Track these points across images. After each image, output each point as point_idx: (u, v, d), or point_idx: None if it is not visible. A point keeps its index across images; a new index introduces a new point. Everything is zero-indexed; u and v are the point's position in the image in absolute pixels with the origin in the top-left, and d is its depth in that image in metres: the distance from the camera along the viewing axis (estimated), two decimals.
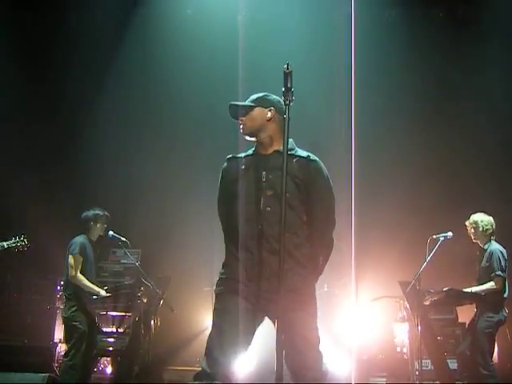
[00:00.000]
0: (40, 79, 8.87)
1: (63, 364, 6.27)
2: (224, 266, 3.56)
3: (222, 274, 3.54)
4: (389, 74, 8.67)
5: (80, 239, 6.53)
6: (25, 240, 6.45)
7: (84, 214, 6.67)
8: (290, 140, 3.57)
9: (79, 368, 6.21)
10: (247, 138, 3.65)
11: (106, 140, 9.02)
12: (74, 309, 6.32)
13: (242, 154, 3.69)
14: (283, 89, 3.12)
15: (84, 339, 6.29)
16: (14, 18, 8.84)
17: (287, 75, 3.10)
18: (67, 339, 6.41)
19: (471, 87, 8.57)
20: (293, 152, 3.57)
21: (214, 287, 3.58)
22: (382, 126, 8.77)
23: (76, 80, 8.90)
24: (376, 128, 8.67)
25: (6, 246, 6.32)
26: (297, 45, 8.34)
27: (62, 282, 6.78)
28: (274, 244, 3.34)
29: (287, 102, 3.11)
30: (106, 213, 6.73)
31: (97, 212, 6.66)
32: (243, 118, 3.62)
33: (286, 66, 3.10)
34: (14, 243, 6.41)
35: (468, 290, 6.29)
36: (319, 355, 3.45)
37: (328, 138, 8.48)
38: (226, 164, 3.71)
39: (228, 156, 3.73)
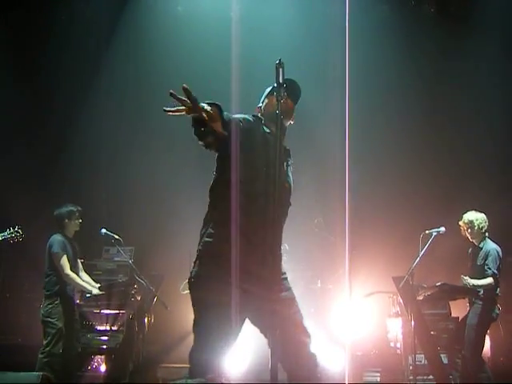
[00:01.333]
0: (30, 78, 8.83)
1: (38, 361, 6.26)
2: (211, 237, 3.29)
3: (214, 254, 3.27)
4: (382, 69, 8.69)
5: (58, 237, 6.56)
6: (19, 231, 6.44)
7: (57, 211, 6.66)
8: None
9: (57, 366, 6.23)
10: (286, 121, 3.55)
11: (100, 138, 8.99)
12: (51, 306, 6.36)
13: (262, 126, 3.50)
14: (275, 84, 3.10)
15: (61, 337, 6.31)
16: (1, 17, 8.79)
17: (279, 71, 3.08)
18: (44, 336, 6.40)
19: (464, 82, 8.60)
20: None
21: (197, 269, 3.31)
22: (375, 122, 8.79)
23: (67, 79, 8.85)
24: (370, 124, 8.68)
25: (1, 238, 6.30)
26: (289, 41, 8.34)
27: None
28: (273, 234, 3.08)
29: (279, 98, 3.09)
30: (79, 208, 6.72)
31: (70, 208, 6.66)
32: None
33: (277, 61, 3.08)
34: (9, 234, 6.40)
35: (466, 280, 6.29)
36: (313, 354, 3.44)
37: (322, 133, 8.50)
38: (253, 119, 3.47)
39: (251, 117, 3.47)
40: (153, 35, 8.97)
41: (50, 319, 6.34)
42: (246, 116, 3.44)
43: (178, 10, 9.15)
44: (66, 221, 6.63)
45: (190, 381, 3.21)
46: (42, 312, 6.42)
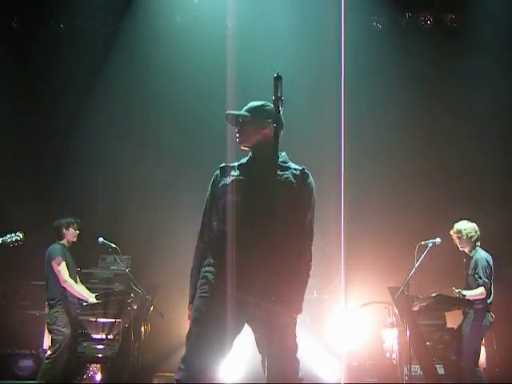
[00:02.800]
0: (27, 89, 8.85)
1: (43, 365, 6.36)
2: (209, 266, 3.54)
3: (208, 273, 3.52)
4: (377, 80, 8.72)
5: (57, 246, 6.67)
6: (20, 234, 6.46)
7: (56, 222, 6.82)
8: (283, 153, 3.63)
9: (59, 372, 6.28)
10: (242, 147, 3.65)
11: (95, 146, 9.03)
12: (57, 313, 6.44)
13: (236, 163, 3.68)
14: (273, 97, 3.14)
15: (67, 343, 6.39)
16: None
17: (277, 84, 3.11)
18: (51, 343, 6.51)
19: (459, 94, 8.66)
20: (287, 165, 3.60)
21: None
22: (371, 131, 8.82)
23: (64, 86, 8.88)
24: (365, 133, 8.72)
25: (0, 242, 6.32)
26: (286, 51, 8.39)
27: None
28: (264, 251, 3.25)
29: (277, 111, 3.12)
30: (78, 219, 6.86)
31: (68, 219, 6.80)
32: (239, 128, 3.63)
33: (275, 74, 3.12)
34: (9, 238, 6.41)
35: (458, 291, 6.33)
36: (297, 362, 3.47)
37: (317, 143, 8.53)
38: (218, 171, 3.69)
39: (221, 165, 3.71)
40: (151, 45, 9.00)
41: (56, 326, 6.41)
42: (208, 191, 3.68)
43: (176, 20, 9.20)
44: (64, 230, 6.74)
45: None
46: (48, 320, 6.51)
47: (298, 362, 3.47)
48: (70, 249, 6.82)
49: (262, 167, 3.46)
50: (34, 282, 7.89)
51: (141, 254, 8.17)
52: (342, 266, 7.50)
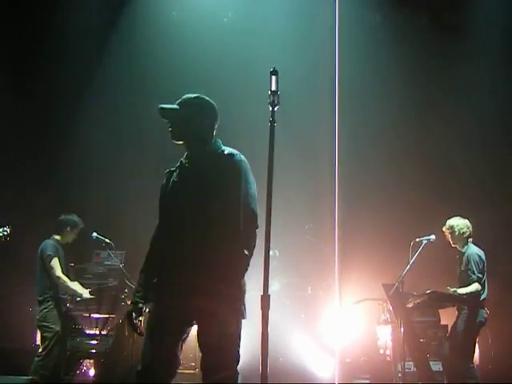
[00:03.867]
0: (24, 83, 8.82)
1: (34, 364, 6.31)
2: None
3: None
4: (373, 76, 8.72)
5: (51, 242, 6.63)
6: (7, 229, 6.41)
7: (64, 217, 6.76)
8: (218, 141, 3.65)
9: (51, 369, 6.28)
10: (174, 142, 3.65)
11: (91, 142, 9.00)
12: (46, 310, 6.42)
13: (177, 164, 3.72)
14: (269, 92, 3.12)
15: (58, 340, 6.37)
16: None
17: (273, 78, 3.10)
18: (42, 341, 6.50)
19: (457, 91, 8.66)
20: (219, 152, 3.57)
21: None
22: (365, 129, 8.82)
23: (61, 83, 8.84)
24: (360, 131, 8.72)
25: None
26: (282, 47, 8.37)
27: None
28: (194, 245, 3.38)
29: (273, 106, 3.11)
30: (82, 224, 6.83)
31: (76, 220, 6.77)
32: (170, 123, 3.63)
33: (271, 69, 3.11)
34: None
35: (452, 289, 6.33)
36: (232, 355, 3.40)
37: (312, 140, 8.53)
38: (164, 179, 3.73)
39: (166, 170, 3.75)
40: (147, 40, 8.98)
41: (45, 323, 6.39)
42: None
43: (172, 15, 9.17)
44: (68, 229, 6.71)
45: None
46: (38, 317, 6.46)
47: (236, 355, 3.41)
48: (64, 245, 6.77)
49: (195, 163, 3.55)
50: (30, 279, 7.86)
51: (135, 249, 8.13)
52: (337, 263, 7.51)
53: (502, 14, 8.57)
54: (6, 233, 6.36)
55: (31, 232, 7.24)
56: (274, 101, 3.09)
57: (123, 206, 8.81)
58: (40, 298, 6.48)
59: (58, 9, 8.96)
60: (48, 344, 6.31)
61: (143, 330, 3.58)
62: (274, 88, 3.10)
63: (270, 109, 3.11)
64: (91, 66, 9.01)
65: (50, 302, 6.44)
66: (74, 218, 6.76)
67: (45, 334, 6.40)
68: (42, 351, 6.32)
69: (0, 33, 8.63)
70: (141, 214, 8.72)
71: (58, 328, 6.39)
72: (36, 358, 6.32)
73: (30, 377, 6.26)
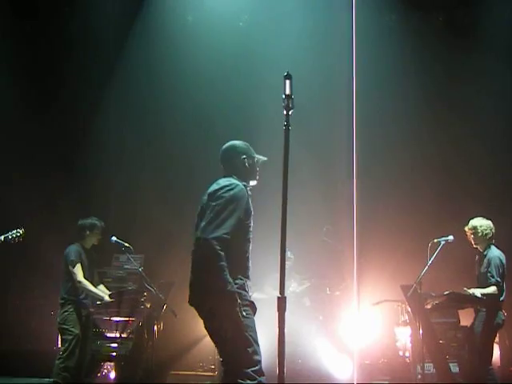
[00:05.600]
0: (40, 85, 8.93)
1: (55, 366, 6.39)
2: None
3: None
4: (389, 77, 8.69)
5: (74, 247, 6.68)
6: (20, 230, 6.47)
7: (81, 221, 6.80)
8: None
9: (73, 371, 6.34)
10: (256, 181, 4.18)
11: (109, 146, 9.10)
12: (66, 313, 6.49)
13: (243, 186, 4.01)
14: (283, 96, 3.15)
15: (78, 342, 6.44)
16: (14, 27, 8.90)
17: (287, 82, 3.13)
18: (62, 343, 6.57)
19: (473, 91, 8.60)
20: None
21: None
22: (382, 129, 8.79)
23: (77, 87, 8.95)
24: (377, 131, 8.70)
25: (2, 239, 6.36)
26: (298, 51, 8.38)
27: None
28: None
29: (287, 110, 3.14)
30: (103, 224, 6.86)
31: (94, 222, 6.79)
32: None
33: (286, 73, 3.14)
34: (11, 235, 6.44)
35: (471, 291, 6.29)
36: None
37: (329, 141, 8.54)
38: (245, 190, 3.96)
39: (243, 183, 4.00)
40: (163, 45, 9.04)
41: (65, 326, 6.47)
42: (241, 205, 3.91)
43: (187, 20, 9.23)
44: (88, 232, 6.75)
45: None
46: (58, 320, 6.55)
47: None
48: (91, 250, 6.84)
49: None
50: (50, 282, 7.96)
51: (154, 253, 8.22)
52: (355, 265, 7.49)
53: None
54: (18, 234, 6.42)
55: (50, 235, 7.33)
56: (288, 105, 3.12)
57: (142, 209, 8.88)
58: (62, 301, 6.58)
59: (74, 13, 9.08)
60: (68, 346, 6.39)
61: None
62: (288, 92, 3.13)
63: (285, 113, 3.14)
64: (108, 71, 9.09)
65: (70, 306, 6.52)
66: (90, 220, 6.79)
67: (64, 337, 6.49)
68: (63, 353, 6.40)
69: (18, 40, 8.78)
70: (160, 217, 8.81)
71: (77, 331, 6.46)
72: (57, 361, 6.41)
73: (52, 379, 6.36)
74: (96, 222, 6.79)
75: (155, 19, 9.11)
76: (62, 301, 6.57)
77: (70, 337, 6.42)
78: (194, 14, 9.20)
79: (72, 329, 6.45)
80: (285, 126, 3.14)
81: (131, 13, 9.09)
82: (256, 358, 3.67)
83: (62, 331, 6.53)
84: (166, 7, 9.10)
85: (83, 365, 6.62)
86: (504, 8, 8.53)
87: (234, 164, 4.09)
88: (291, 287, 7.98)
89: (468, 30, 8.69)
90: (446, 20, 8.94)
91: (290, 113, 3.13)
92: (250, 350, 3.65)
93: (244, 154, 4.09)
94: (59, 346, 7.12)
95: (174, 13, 9.11)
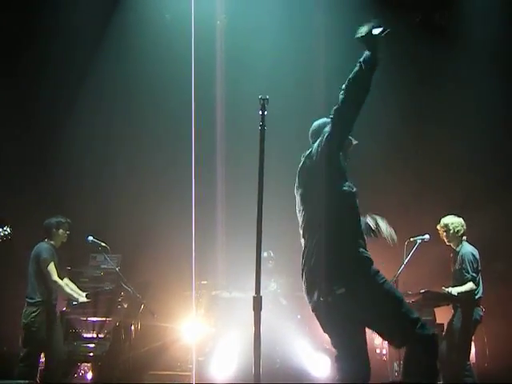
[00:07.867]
0: (16, 86, 8.81)
1: (18, 369, 6.24)
2: None
3: None
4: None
5: (45, 245, 6.57)
6: (7, 229, 6.37)
7: (46, 221, 6.69)
8: None
9: (40, 375, 6.29)
10: None
11: (86, 145, 9.01)
12: (34, 314, 6.33)
13: None
14: (259, 97, 3.16)
15: (42, 346, 6.33)
16: None
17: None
18: (24, 344, 6.39)
19: (447, 91, 8.69)
20: None
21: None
22: (360, 129, 8.81)
23: (53, 86, 8.84)
24: (354, 130, 8.72)
25: None
26: (276, 50, 8.38)
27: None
28: None
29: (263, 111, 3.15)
30: (69, 220, 6.75)
31: (59, 219, 6.69)
32: None
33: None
34: None
35: (447, 289, 6.36)
36: None
37: (307, 142, 8.53)
38: None
39: None
40: (140, 43, 8.99)
41: (32, 328, 6.30)
42: None
43: (165, 18, 9.18)
44: (54, 230, 6.64)
45: None
46: (24, 320, 6.36)
47: None
48: (58, 248, 6.73)
49: None
50: (24, 282, 7.86)
51: (131, 253, 8.17)
52: None
53: (495, 11, 8.61)
54: (6, 232, 6.31)
55: (24, 235, 7.22)
56: (263, 105, 3.14)
57: (119, 209, 8.82)
58: (31, 301, 6.38)
59: (50, 10, 8.95)
60: (31, 350, 6.26)
61: None
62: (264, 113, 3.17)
63: (260, 113, 3.16)
64: (84, 69, 8.99)
65: (39, 306, 6.35)
66: (56, 218, 6.68)
67: (28, 339, 6.31)
68: (25, 356, 6.25)
69: None
70: (136, 217, 8.77)
71: (42, 334, 6.30)
72: (20, 364, 6.25)
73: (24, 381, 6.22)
74: (61, 219, 6.68)
75: (133, 17, 9.03)
76: (32, 300, 6.37)
77: (35, 341, 6.28)
78: (172, 11, 9.13)
79: (38, 332, 6.28)
80: (260, 126, 3.15)
81: (107, 10, 8.98)
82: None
83: (27, 332, 6.33)
84: (143, 5, 9.04)
85: (56, 367, 6.50)
86: (480, 7, 8.61)
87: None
88: (270, 287, 7.99)
89: (445, 30, 8.77)
90: (424, 20, 8.99)
91: (265, 113, 3.15)
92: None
93: None
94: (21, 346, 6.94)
95: (152, 11, 9.06)
